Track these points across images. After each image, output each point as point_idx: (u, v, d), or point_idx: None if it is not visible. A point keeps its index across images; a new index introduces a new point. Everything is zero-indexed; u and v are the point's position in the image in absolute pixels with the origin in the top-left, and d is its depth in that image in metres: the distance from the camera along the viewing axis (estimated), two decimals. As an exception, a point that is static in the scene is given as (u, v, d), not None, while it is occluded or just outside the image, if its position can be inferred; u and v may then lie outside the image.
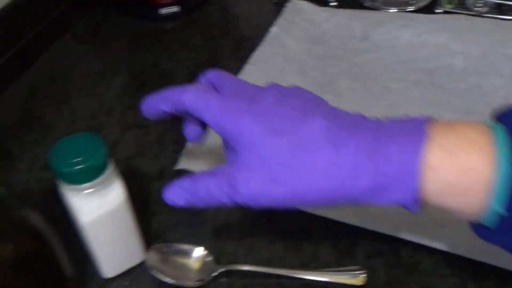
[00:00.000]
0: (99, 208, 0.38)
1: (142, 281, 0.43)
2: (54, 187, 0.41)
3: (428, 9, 0.70)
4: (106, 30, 0.76)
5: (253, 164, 0.32)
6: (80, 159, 0.36)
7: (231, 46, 0.70)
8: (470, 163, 0.29)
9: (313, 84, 0.59)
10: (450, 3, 0.70)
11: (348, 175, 0.31)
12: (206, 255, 0.44)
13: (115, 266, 0.43)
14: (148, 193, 0.50)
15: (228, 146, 0.36)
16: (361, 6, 0.72)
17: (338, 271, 0.43)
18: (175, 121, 0.43)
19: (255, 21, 0.74)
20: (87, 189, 0.38)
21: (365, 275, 0.42)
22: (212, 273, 0.43)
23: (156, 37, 0.72)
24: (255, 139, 0.32)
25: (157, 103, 0.38)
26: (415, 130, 0.30)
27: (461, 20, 0.65)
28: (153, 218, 0.48)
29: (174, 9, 0.75)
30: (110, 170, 0.38)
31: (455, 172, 0.29)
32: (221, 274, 0.43)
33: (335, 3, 0.72)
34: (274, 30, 0.66)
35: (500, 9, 0.68)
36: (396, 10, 0.70)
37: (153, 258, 0.43)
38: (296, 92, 0.35)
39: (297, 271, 0.43)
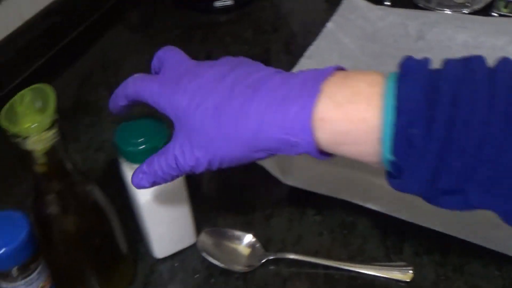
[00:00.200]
0: (157, 189, 0.39)
1: (192, 263, 0.45)
2: (109, 167, 0.42)
3: (483, 12, 0.69)
4: (159, 20, 0.78)
5: (185, 136, 0.35)
6: (143, 139, 0.38)
7: (282, 41, 0.71)
8: (359, 114, 0.31)
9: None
10: (506, 7, 0.69)
11: (255, 132, 0.33)
12: (255, 242, 0.45)
13: (167, 246, 0.45)
14: (200, 178, 0.52)
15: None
16: (415, 6, 0.72)
17: (385, 265, 0.43)
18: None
19: (306, 18, 0.74)
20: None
21: (412, 271, 0.42)
22: (261, 260, 0.44)
23: (210, 30, 0.74)
24: (184, 113, 0.35)
25: (115, 100, 0.40)
26: (312, 86, 0.32)
27: (519, 24, 0.64)
28: (204, 202, 0.49)
29: (228, 2, 0.76)
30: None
31: (343, 122, 0.31)
32: (269, 261, 0.44)
33: (389, 3, 0.72)
34: (329, 26, 0.67)
35: (558, 14, 0.67)
36: (451, 12, 0.70)
37: (204, 241, 0.44)
38: (229, 62, 0.38)
39: (345, 263, 0.43)
